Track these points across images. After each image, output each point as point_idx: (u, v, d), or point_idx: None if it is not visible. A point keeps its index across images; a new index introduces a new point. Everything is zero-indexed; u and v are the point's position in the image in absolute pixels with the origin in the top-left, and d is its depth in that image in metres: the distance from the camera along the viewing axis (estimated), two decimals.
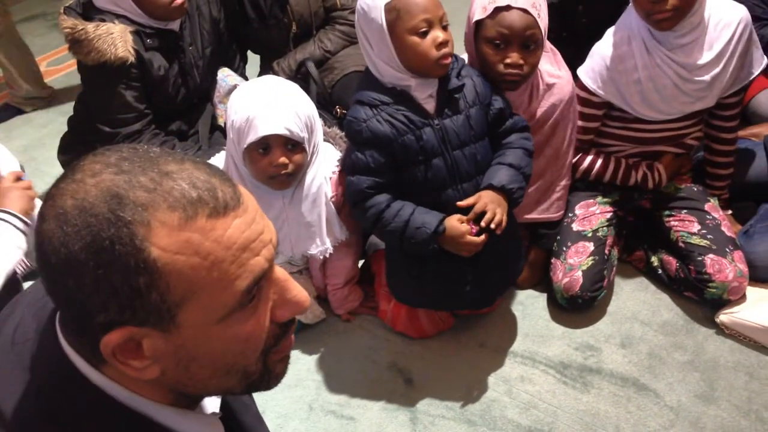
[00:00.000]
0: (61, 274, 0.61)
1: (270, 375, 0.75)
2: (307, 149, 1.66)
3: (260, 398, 1.74)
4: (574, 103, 1.86)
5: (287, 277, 0.73)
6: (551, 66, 1.83)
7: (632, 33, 1.77)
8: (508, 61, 1.65)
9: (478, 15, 1.67)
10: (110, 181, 0.62)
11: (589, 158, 1.96)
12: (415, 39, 1.51)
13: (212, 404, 0.83)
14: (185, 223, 0.62)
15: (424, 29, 1.50)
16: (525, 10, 1.62)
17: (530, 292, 2.00)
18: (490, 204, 1.59)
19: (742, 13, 1.75)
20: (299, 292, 0.73)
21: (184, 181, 0.64)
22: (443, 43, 1.51)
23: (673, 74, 1.75)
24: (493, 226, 1.58)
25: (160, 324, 0.63)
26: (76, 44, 2.03)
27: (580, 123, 1.90)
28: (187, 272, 0.62)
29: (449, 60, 1.55)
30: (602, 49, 1.82)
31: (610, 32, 1.84)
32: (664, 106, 1.80)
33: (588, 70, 1.85)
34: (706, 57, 1.73)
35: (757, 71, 1.83)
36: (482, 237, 1.60)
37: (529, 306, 1.96)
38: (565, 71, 1.85)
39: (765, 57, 1.83)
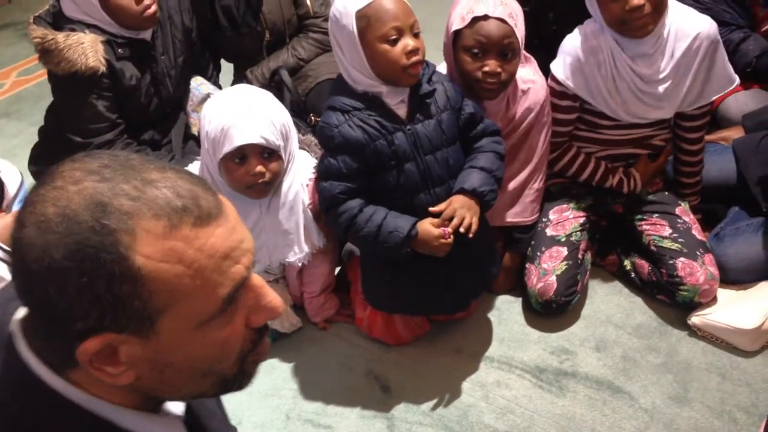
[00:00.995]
0: (42, 282, 0.61)
1: (244, 376, 0.76)
2: (283, 157, 1.66)
3: (237, 408, 1.73)
4: (547, 107, 1.89)
5: (263, 284, 0.74)
6: (526, 72, 1.85)
7: (603, 28, 1.79)
8: (485, 69, 1.67)
9: (456, 25, 1.69)
10: (93, 188, 0.62)
11: (571, 154, 1.97)
12: (386, 47, 1.52)
13: (176, 408, 0.83)
14: (170, 232, 0.63)
15: (394, 37, 1.51)
16: (502, 20, 1.65)
17: (506, 297, 2.01)
18: (459, 209, 1.60)
19: (703, 27, 1.76)
20: (274, 297, 0.74)
21: (168, 189, 0.65)
22: (413, 51, 1.52)
23: (630, 81, 1.78)
24: (462, 230, 1.59)
25: (140, 331, 0.64)
26: (46, 54, 2.01)
27: (558, 116, 1.92)
28: (170, 280, 0.63)
29: (419, 68, 1.56)
30: (573, 43, 1.83)
31: (580, 28, 1.86)
32: (624, 107, 1.83)
33: (559, 63, 1.87)
34: (662, 69, 1.77)
35: (721, 91, 1.84)
36: (450, 238, 1.60)
37: (504, 311, 1.97)
38: (539, 77, 1.88)
39: (734, 76, 1.84)
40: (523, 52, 1.86)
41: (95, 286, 0.61)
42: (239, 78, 2.54)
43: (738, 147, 2.12)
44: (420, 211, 1.64)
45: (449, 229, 1.60)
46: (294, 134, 1.73)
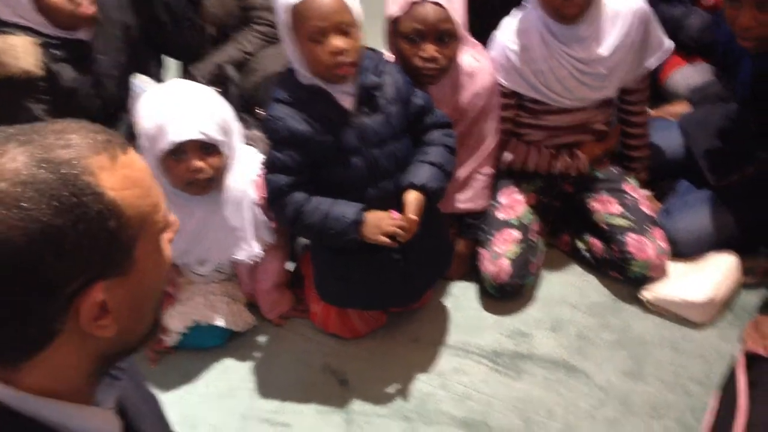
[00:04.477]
0: (33, 254, 0.61)
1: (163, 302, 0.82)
2: (225, 152, 1.63)
3: (192, 411, 1.71)
4: (495, 92, 1.88)
5: None
6: (472, 57, 1.84)
7: (530, 25, 1.80)
8: (422, 54, 1.66)
9: (393, 12, 1.68)
10: (22, 153, 0.63)
11: (513, 150, 1.97)
12: (312, 45, 1.47)
13: (107, 403, 0.82)
14: (114, 162, 0.67)
15: (320, 36, 1.46)
16: (438, 4, 1.64)
17: (461, 283, 2.00)
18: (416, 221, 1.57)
19: (637, 4, 1.79)
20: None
21: (80, 132, 0.68)
22: (340, 52, 1.47)
23: (570, 66, 1.79)
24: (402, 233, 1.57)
25: (123, 267, 0.68)
26: None
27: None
28: (136, 204, 0.67)
29: (347, 69, 1.50)
30: (503, 40, 1.85)
31: (508, 23, 1.86)
32: (566, 93, 1.84)
33: (492, 61, 1.87)
34: (601, 50, 1.78)
35: (657, 61, 1.87)
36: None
37: (460, 297, 1.96)
38: (485, 61, 1.86)
39: (667, 42, 1.87)
40: (469, 37, 1.85)
41: (92, 231, 0.63)
42: (184, 75, 2.49)
43: (685, 121, 2.14)
44: (368, 205, 1.60)
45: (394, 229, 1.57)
46: (236, 129, 1.70)
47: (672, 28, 2.36)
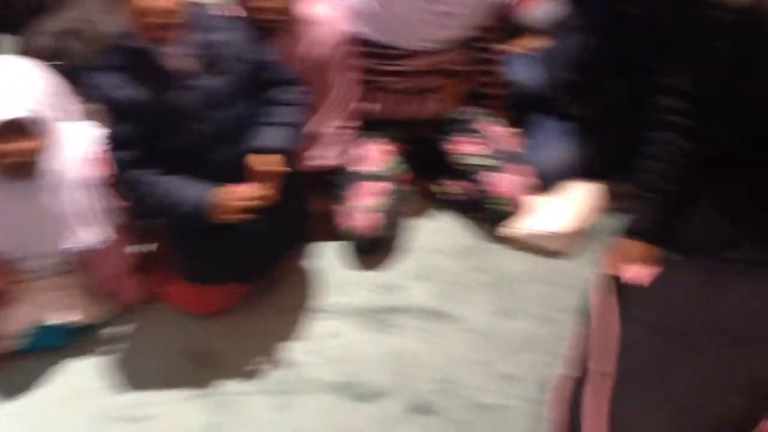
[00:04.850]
0: None
1: None
2: (42, 132, 1.47)
3: (40, 419, 1.55)
4: (344, 42, 1.80)
5: None
6: (317, 7, 1.76)
7: None
8: (252, 4, 1.59)
9: None
10: None
11: (372, 99, 1.91)
12: (126, 5, 1.38)
13: None
14: None
15: None
16: None
17: (325, 243, 1.91)
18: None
19: None
20: None
21: None
22: (143, 12, 1.37)
23: (427, 8, 1.74)
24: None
25: None
26: None
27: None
28: None
29: (161, 33, 1.40)
30: None
31: None
32: (425, 35, 1.79)
33: (349, 9, 1.80)
34: None
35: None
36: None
37: (325, 258, 1.88)
38: (335, 12, 1.79)
39: None
40: None
41: None
42: (17, 50, 2.27)
43: (543, 54, 2.12)
44: (214, 172, 1.51)
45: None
46: (59, 105, 1.54)
47: None
